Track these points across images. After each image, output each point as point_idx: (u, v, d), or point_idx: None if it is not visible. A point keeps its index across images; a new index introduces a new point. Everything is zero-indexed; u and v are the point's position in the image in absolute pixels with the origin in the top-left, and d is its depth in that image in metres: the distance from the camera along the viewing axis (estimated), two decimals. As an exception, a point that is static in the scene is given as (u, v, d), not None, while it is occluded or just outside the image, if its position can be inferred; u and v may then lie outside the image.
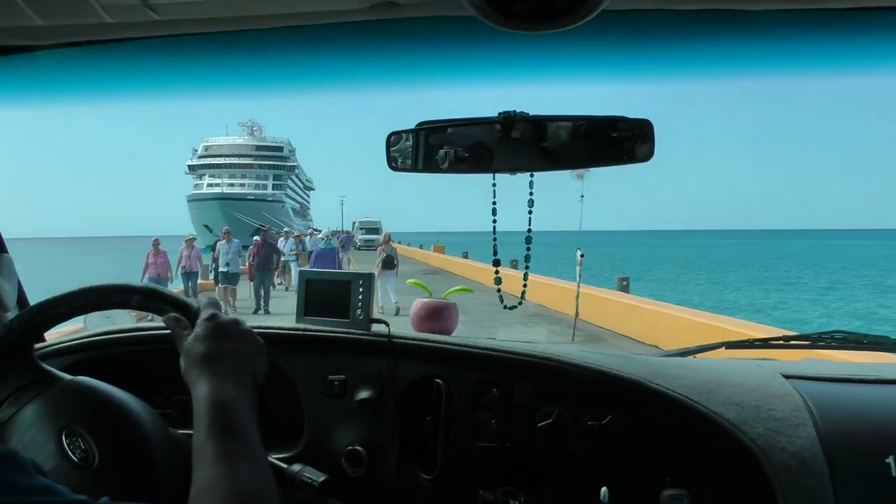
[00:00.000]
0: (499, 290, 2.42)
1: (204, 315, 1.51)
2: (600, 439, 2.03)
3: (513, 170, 1.99)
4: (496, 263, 2.40)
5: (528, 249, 2.28)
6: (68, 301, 1.74)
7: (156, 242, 21.08)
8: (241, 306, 21.73)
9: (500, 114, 1.88)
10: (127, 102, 2.37)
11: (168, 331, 1.57)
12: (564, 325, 17.05)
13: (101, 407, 1.65)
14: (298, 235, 30.41)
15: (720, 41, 1.83)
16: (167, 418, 1.81)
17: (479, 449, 2.12)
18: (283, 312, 18.85)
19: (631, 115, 1.92)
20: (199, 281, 22.82)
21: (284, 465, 2.08)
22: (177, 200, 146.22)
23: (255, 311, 20.99)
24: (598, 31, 1.59)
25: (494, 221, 2.20)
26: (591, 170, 2.18)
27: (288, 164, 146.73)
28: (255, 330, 2.25)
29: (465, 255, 40.88)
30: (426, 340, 2.24)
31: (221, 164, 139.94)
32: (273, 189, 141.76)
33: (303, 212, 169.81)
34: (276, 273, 27.74)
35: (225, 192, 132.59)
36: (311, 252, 24.49)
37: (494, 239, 2.27)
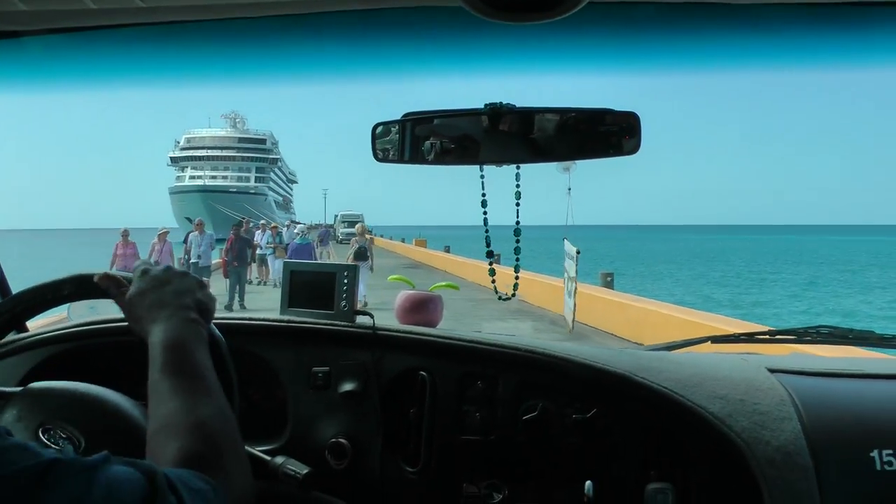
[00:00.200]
0: (493, 282, 2.41)
1: (136, 273, 1.56)
2: (585, 433, 2.03)
3: (499, 162, 1.98)
4: (490, 255, 2.39)
5: (518, 241, 2.27)
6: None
7: (125, 234, 20.63)
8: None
9: (486, 105, 1.87)
10: (112, 90, 2.36)
11: None
12: (547, 322, 17.01)
13: (70, 399, 1.64)
14: (275, 227, 29.46)
15: (707, 34, 1.83)
16: None
17: (463, 442, 2.12)
18: (259, 308, 18.62)
19: (617, 108, 1.92)
20: None
21: (268, 458, 2.07)
22: (160, 193, 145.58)
23: (228, 308, 19.84)
24: (584, 23, 1.58)
25: (485, 213, 2.19)
26: (576, 163, 2.16)
27: (270, 156, 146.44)
28: (240, 321, 2.24)
29: (447, 249, 40.80)
30: (411, 333, 2.23)
31: (204, 156, 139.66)
32: (255, 182, 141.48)
33: (285, 205, 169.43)
34: (254, 269, 27.37)
35: (207, 184, 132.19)
36: (288, 245, 24.06)
37: (486, 231, 2.26)
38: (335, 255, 22.38)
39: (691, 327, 11.96)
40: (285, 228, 30.39)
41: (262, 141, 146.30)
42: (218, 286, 20.87)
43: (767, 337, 2.65)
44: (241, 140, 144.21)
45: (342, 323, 2.26)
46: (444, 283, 2.68)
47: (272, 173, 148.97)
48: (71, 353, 2.24)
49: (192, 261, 20.54)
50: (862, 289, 43.48)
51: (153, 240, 20.91)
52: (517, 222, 2.19)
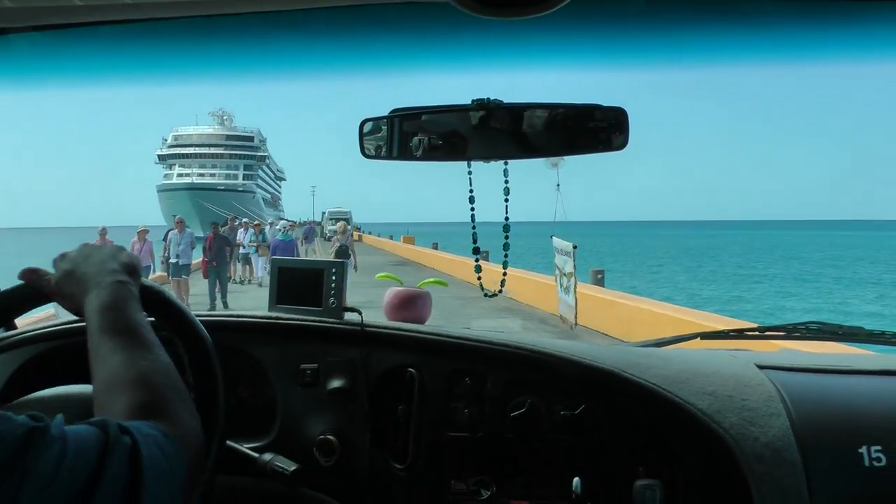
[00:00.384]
0: (479, 278, 2.41)
1: (56, 261, 1.62)
2: (573, 429, 2.03)
3: (487, 157, 1.98)
4: (476, 251, 2.39)
5: (507, 238, 2.27)
6: None
7: (103, 232, 20.11)
8: (195, 302, 19.54)
9: (474, 101, 1.87)
10: (98, 87, 2.35)
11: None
12: (536, 321, 16.87)
13: (62, 402, 1.65)
14: (258, 225, 28.77)
15: (694, 29, 1.83)
16: None
17: (451, 438, 2.11)
18: (244, 308, 18.28)
19: (605, 103, 1.91)
20: (152, 276, 20.51)
21: (256, 455, 2.07)
22: (149, 190, 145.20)
23: (211, 309, 18.16)
24: (571, 18, 1.58)
25: (472, 210, 2.18)
26: (565, 159, 2.16)
27: (259, 153, 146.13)
28: (228, 318, 2.24)
29: (435, 246, 40.71)
30: (399, 329, 2.23)
31: (191, 153, 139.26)
32: (244, 179, 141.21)
33: (274, 202, 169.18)
34: (236, 268, 26.92)
35: (195, 182, 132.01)
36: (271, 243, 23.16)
37: (473, 227, 2.26)
38: (321, 253, 22.07)
39: (684, 326, 11.79)
40: (268, 226, 29.52)
41: (250, 138, 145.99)
42: (200, 286, 20.81)
43: (756, 333, 2.65)
44: (228, 137, 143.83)
45: (330, 320, 2.26)
46: (432, 280, 2.67)
47: (260, 171, 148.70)
48: (59, 350, 2.23)
49: (172, 260, 19.84)
50: (850, 283, 43.63)
51: (133, 238, 20.06)
52: (506, 218, 2.19)
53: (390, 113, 1.99)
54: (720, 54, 1.96)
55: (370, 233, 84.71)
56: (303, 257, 28.61)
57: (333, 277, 2.27)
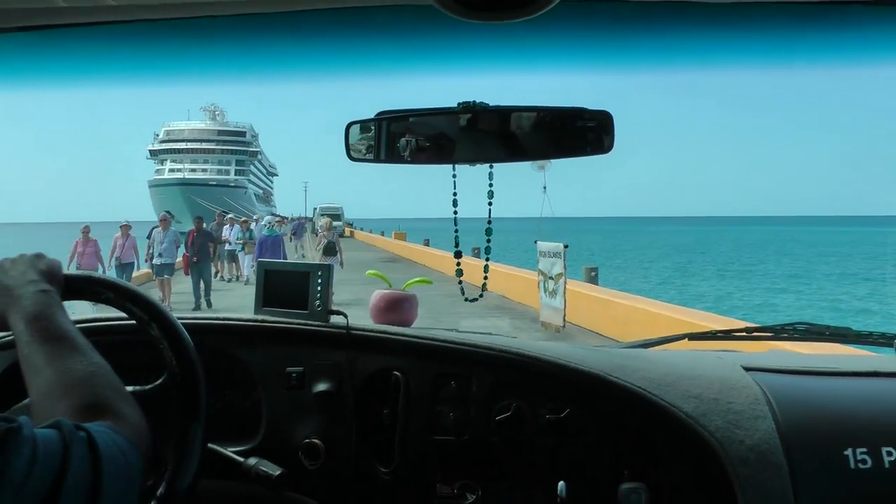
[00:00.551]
0: (460, 282, 2.41)
1: None
2: (558, 433, 2.03)
3: (473, 161, 1.97)
4: (457, 255, 2.39)
5: (489, 241, 2.28)
6: None
7: (85, 230, 19.08)
8: (180, 300, 18.92)
9: (459, 104, 1.87)
10: (85, 87, 2.34)
11: (130, 321, 1.72)
12: (528, 320, 16.61)
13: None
14: (245, 222, 27.67)
15: (680, 32, 1.82)
16: None
17: (436, 442, 2.11)
18: (229, 307, 17.86)
19: (594, 103, 1.91)
20: (136, 273, 20.55)
21: (241, 459, 2.07)
22: (140, 185, 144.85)
23: (196, 308, 18.40)
24: (557, 21, 1.57)
25: (455, 213, 2.18)
26: (552, 161, 2.16)
27: (251, 149, 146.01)
28: (213, 321, 2.23)
29: (427, 243, 40.61)
30: (385, 332, 2.22)
31: (183, 148, 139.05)
32: (235, 174, 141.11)
33: (266, 198, 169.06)
34: (222, 265, 26.42)
35: (187, 177, 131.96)
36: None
37: (456, 231, 2.26)
38: (310, 248, 21.72)
39: (680, 327, 11.38)
40: (254, 223, 28.66)
41: (242, 133, 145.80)
42: (183, 285, 20.13)
43: (744, 334, 2.65)
44: (220, 133, 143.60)
45: (316, 323, 2.25)
46: (417, 280, 2.67)
47: (252, 166, 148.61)
48: None
49: (155, 260, 19.06)
50: (840, 279, 43.74)
51: (116, 234, 19.67)
52: (489, 222, 2.19)
53: (377, 115, 1.99)
54: (707, 57, 1.96)
55: (362, 229, 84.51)
56: (291, 253, 27.79)
57: (319, 280, 2.27)
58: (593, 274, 18.26)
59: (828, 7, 1.63)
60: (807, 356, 2.31)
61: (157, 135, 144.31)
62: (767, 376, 2.01)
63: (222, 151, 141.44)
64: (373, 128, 2.02)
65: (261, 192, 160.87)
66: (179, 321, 1.81)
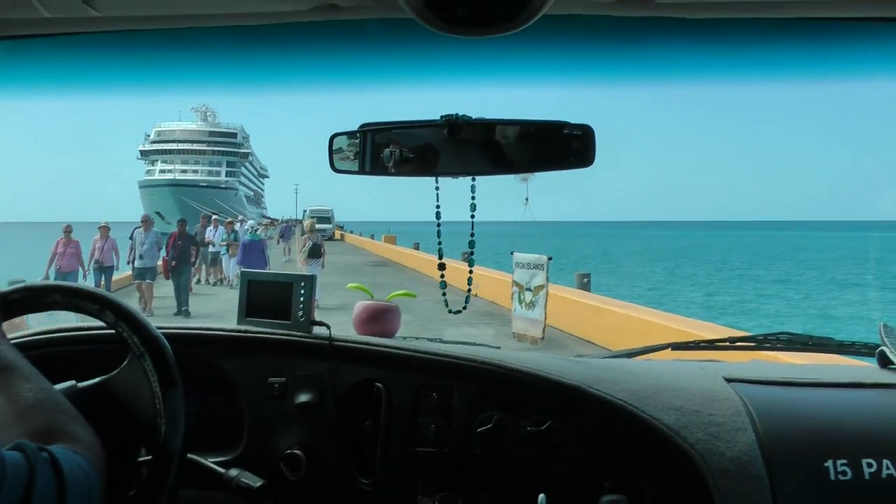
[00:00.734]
0: (444, 294, 2.41)
1: None
2: (539, 445, 2.03)
3: (456, 173, 1.97)
4: (441, 267, 2.39)
5: (472, 253, 2.28)
6: None
7: (67, 229, 18.41)
8: (162, 306, 18.61)
9: (442, 117, 1.87)
10: (71, 97, 2.34)
11: (110, 330, 1.76)
12: (529, 343, 16.02)
13: None
14: (230, 223, 26.66)
15: (661, 46, 1.83)
16: None
17: (418, 454, 2.11)
18: (210, 314, 17.52)
19: (578, 112, 1.94)
20: (116, 276, 20.01)
21: (222, 470, 2.06)
22: (130, 186, 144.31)
23: (177, 314, 18.11)
24: (539, 35, 1.58)
25: (439, 226, 2.19)
26: (535, 174, 2.17)
27: (241, 150, 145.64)
28: (196, 331, 2.23)
29: (417, 247, 40.46)
30: (367, 343, 2.23)
31: (174, 149, 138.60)
32: (226, 176, 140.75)
33: (257, 199, 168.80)
34: (206, 268, 25.97)
35: (177, 178, 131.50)
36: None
37: (439, 243, 2.26)
38: (299, 251, 21.34)
39: (676, 336, 10.76)
40: (239, 224, 27.67)
41: (233, 135, 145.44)
42: (167, 289, 19.55)
43: (727, 344, 2.66)
44: (211, 134, 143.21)
45: (298, 333, 2.25)
46: (401, 292, 2.67)
47: (243, 167, 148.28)
48: (33, 360, 2.22)
49: (136, 264, 18.41)
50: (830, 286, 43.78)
51: (94, 236, 18.96)
52: (472, 234, 2.19)
53: (360, 127, 1.99)
54: (689, 71, 1.97)
55: (352, 232, 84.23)
56: (280, 255, 27.43)
57: (302, 291, 2.27)
58: (585, 280, 17.70)
59: (809, 23, 1.64)
60: (788, 366, 2.31)
61: (148, 135, 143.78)
62: (749, 387, 2.01)
63: (213, 153, 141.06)
64: (356, 139, 2.02)
65: (251, 193, 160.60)
66: (161, 331, 1.82)
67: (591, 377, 2.01)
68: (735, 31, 1.72)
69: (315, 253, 18.90)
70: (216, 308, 18.79)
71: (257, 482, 2.02)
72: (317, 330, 2.26)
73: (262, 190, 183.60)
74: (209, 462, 2.10)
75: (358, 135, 2.00)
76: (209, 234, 25.50)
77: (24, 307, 1.80)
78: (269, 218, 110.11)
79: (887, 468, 1.76)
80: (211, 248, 25.12)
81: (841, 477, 1.75)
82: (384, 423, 2.14)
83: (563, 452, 2.02)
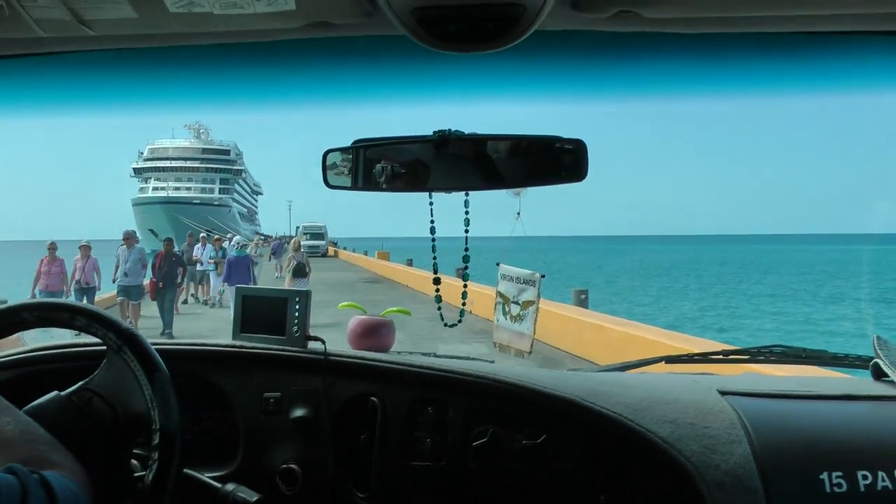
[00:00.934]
0: (439, 308, 2.42)
1: None
2: (535, 458, 2.03)
3: (449, 189, 1.98)
4: (436, 282, 2.40)
5: (466, 268, 2.29)
6: None
7: (51, 247, 17.72)
8: (148, 326, 17.70)
9: (435, 132, 1.88)
10: (63, 116, 2.34)
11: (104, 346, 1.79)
12: (514, 355, 15.52)
13: None
14: (218, 240, 26.20)
15: (653, 62, 1.84)
16: None
17: (413, 468, 2.11)
18: (198, 335, 16.26)
19: (568, 128, 1.93)
20: (99, 297, 18.99)
21: (218, 485, 2.07)
22: (124, 204, 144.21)
23: (162, 335, 16.74)
24: (531, 51, 1.59)
25: (433, 241, 2.20)
26: (527, 188, 2.18)
27: (235, 167, 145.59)
28: (190, 347, 2.24)
29: (410, 263, 40.33)
30: (361, 358, 2.23)
31: (167, 167, 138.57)
32: (220, 193, 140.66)
33: (250, 216, 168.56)
34: (194, 287, 25.29)
35: (171, 195, 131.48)
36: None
37: (434, 258, 2.27)
38: (285, 269, 20.84)
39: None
40: (228, 241, 25.78)
41: (227, 152, 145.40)
42: (153, 308, 18.70)
43: (721, 357, 2.66)
44: (204, 151, 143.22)
45: (294, 349, 2.25)
46: (395, 309, 2.67)
47: (236, 185, 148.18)
48: (27, 377, 2.22)
49: (119, 282, 17.69)
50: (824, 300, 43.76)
51: (76, 256, 17.98)
52: (465, 250, 2.20)
53: (353, 143, 2.00)
54: (681, 86, 1.98)
55: (345, 248, 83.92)
56: (271, 272, 26.86)
57: (297, 306, 2.27)
58: (583, 297, 17.37)
59: (800, 37, 1.65)
60: (782, 379, 2.31)
61: (142, 153, 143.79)
62: (743, 400, 2.01)
63: (206, 170, 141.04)
64: (350, 155, 2.03)
65: (245, 210, 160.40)
66: (156, 348, 1.83)
67: (586, 390, 2.02)
68: (726, 46, 1.73)
69: (300, 272, 18.71)
70: (204, 328, 18.58)
71: (253, 496, 2.02)
72: (312, 345, 2.26)
73: (256, 207, 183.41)
74: (205, 477, 2.10)
75: (351, 151, 2.01)
76: (197, 251, 24.93)
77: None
78: (262, 235, 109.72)
79: (882, 480, 1.76)
80: (199, 267, 24.48)
81: (836, 489, 1.75)
82: (379, 437, 2.14)
83: (558, 466, 2.02)
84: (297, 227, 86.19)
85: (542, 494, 2.00)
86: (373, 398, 2.17)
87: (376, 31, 1.55)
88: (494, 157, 1.94)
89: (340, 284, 19.53)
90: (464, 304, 2.41)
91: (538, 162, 1.94)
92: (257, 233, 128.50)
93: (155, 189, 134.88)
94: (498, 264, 2.66)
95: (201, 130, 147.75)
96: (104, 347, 1.83)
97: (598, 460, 1.99)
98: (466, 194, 2.03)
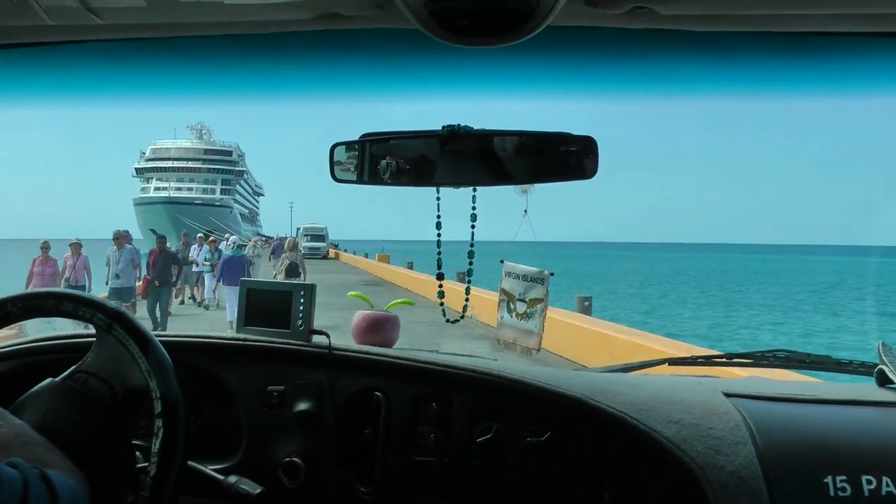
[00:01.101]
0: (441, 304, 2.41)
1: None
2: (539, 455, 2.03)
3: (456, 184, 1.98)
4: (440, 277, 2.40)
5: (471, 264, 2.29)
6: None
7: (44, 246, 17.27)
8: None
9: (444, 127, 1.88)
10: (69, 105, 2.34)
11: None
12: (518, 354, 15.35)
13: None
14: (214, 241, 25.31)
15: (665, 60, 1.84)
16: None
17: (417, 463, 2.11)
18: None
19: (576, 129, 1.92)
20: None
21: (221, 477, 2.07)
22: (126, 203, 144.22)
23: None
24: (543, 47, 1.59)
25: (439, 236, 2.20)
26: (534, 185, 2.17)
27: (237, 168, 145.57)
28: (194, 339, 2.24)
29: (410, 266, 40.21)
30: (366, 353, 2.23)
31: (169, 167, 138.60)
32: (221, 194, 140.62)
33: (252, 217, 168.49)
34: (189, 288, 24.80)
35: (172, 196, 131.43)
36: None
37: (439, 253, 2.27)
38: (278, 269, 20.36)
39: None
40: (225, 241, 25.17)
41: (229, 153, 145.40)
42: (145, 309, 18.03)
43: (724, 360, 2.66)
44: (206, 152, 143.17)
45: (298, 342, 2.25)
46: (399, 301, 2.67)
47: (238, 185, 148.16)
48: (28, 367, 2.22)
49: (111, 283, 16.98)
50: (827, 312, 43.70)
51: (66, 254, 17.45)
52: (471, 245, 2.20)
53: (361, 137, 2.00)
54: (689, 85, 1.97)
55: (346, 250, 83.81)
56: (269, 272, 26.56)
57: (302, 300, 2.27)
58: (587, 304, 16.96)
59: (816, 38, 1.65)
60: (786, 383, 2.31)
61: (144, 153, 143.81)
62: (748, 402, 2.01)
63: (208, 170, 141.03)
64: (356, 149, 2.02)
65: (247, 211, 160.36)
66: (159, 339, 1.83)
67: (591, 389, 2.01)
68: (742, 46, 1.72)
69: (292, 272, 18.33)
70: (199, 330, 18.02)
71: (256, 489, 2.02)
72: (316, 339, 2.26)
73: (258, 208, 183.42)
74: (208, 469, 2.10)
75: (358, 144, 2.01)
76: (193, 252, 24.25)
77: None
78: (264, 236, 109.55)
79: (887, 485, 1.76)
80: (195, 268, 23.94)
81: (840, 493, 1.75)
82: (383, 432, 2.14)
83: (562, 463, 2.02)
84: (298, 229, 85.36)
85: (545, 492, 2.00)
86: (377, 393, 2.16)
87: (387, 23, 1.54)
88: (503, 152, 1.94)
89: (340, 287, 19.26)
90: (467, 299, 2.41)
91: (548, 158, 1.94)
92: (258, 233, 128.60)
93: (157, 189, 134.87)
94: (502, 261, 2.65)
95: (203, 131, 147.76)
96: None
97: (603, 458, 1.98)
98: (474, 189, 2.03)
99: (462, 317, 2.49)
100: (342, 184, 2.04)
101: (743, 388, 2.10)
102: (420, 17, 1.36)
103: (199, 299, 24.76)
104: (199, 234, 26.50)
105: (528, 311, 2.73)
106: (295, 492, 2.14)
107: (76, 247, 17.48)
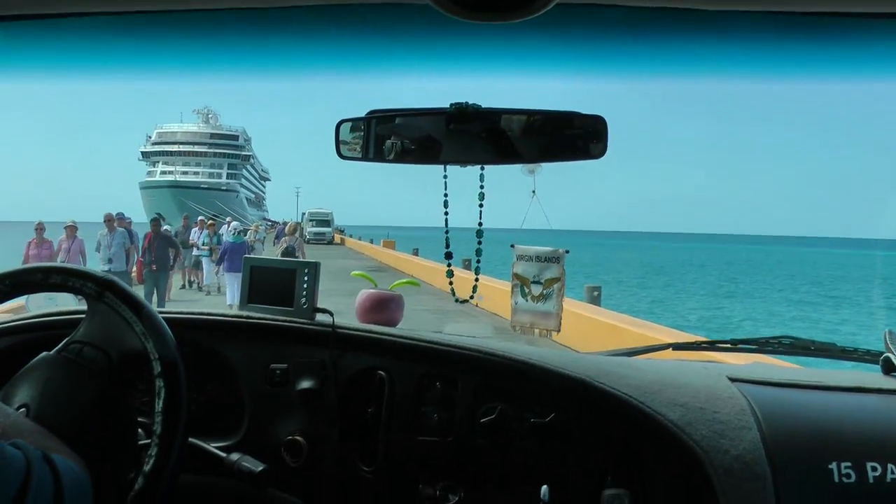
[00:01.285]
0: (451, 283, 2.40)
1: None
2: (543, 437, 2.02)
3: (463, 162, 1.97)
4: (448, 256, 2.39)
5: (480, 243, 2.28)
6: None
7: (39, 229, 16.64)
8: None
9: (451, 105, 1.86)
10: (75, 79, 2.33)
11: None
12: (523, 343, 14.98)
13: None
14: (212, 225, 24.27)
15: (677, 40, 1.82)
16: None
17: (420, 442, 2.11)
18: None
19: (586, 111, 1.91)
20: None
21: (223, 454, 2.07)
22: (132, 186, 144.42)
23: None
24: (553, 25, 1.57)
25: (446, 214, 2.19)
26: (542, 165, 2.16)
27: (243, 153, 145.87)
28: (197, 316, 2.23)
29: (416, 252, 40.23)
30: (370, 332, 2.22)
31: (175, 151, 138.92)
32: (227, 178, 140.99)
33: (258, 202, 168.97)
34: (184, 271, 24.10)
35: (178, 179, 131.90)
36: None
37: (447, 232, 2.27)
38: (276, 252, 20.01)
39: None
40: (225, 226, 24.07)
41: (235, 137, 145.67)
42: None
43: (729, 346, 2.65)
44: (213, 136, 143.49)
45: (301, 320, 2.25)
46: (404, 280, 2.66)
47: (244, 170, 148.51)
48: (29, 343, 2.22)
49: (103, 267, 15.31)
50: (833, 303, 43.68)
51: (60, 237, 16.77)
52: (479, 224, 2.19)
53: (367, 114, 1.99)
54: (701, 66, 1.96)
55: (351, 236, 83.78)
56: (272, 255, 26.46)
57: (306, 278, 2.26)
58: (596, 294, 16.54)
59: (825, 18, 1.63)
60: (791, 369, 2.30)
61: (150, 136, 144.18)
62: (753, 388, 2.00)
63: (214, 155, 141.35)
64: (363, 126, 2.01)
65: (253, 196, 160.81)
66: (162, 316, 1.83)
67: (597, 371, 2.01)
68: (758, 26, 1.71)
69: (289, 255, 17.51)
70: None
71: (258, 467, 2.02)
72: (320, 317, 2.25)
73: (264, 193, 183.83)
74: (211, 447, 2.10)
75: (364, 121, 2.00)
76: (194, 235, 23.68)
77: None
78: (270, 220, 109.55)
79: (892, 472, 1.75)
80: (195, 252, 23.40)
81: (845, 479, 1.74)
82: (386, 412, 2.14)
83: (566, 445, 2.01)
84: (303, 214, 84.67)
85: (549, 473, 1.99)
86: (380, 372, 2.16)
87: None
88: (511, 131, 1.92)
89: (344, 272, 19.03)
90: (476, 279, 2.40)
91: (556, 138, 1.93)
92: (264, 218, 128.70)
93: (163, 173, 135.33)
94: (513, 245, 2.63)
95: (210, 115, 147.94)
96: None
97: (607, 440, 1.98)
98: (482, 168, 2.02)
99: (471, 297, 2.48)
100: (348, 160, 2.03)
101: (748, 374, 2.10)
102: None
103: (197, 283, 24.40)
104: (199, 217, 26.29)
105: (545, 291, 2.70)
106: (297, 470, 2.14)
107: (71, 229, 16.90)
